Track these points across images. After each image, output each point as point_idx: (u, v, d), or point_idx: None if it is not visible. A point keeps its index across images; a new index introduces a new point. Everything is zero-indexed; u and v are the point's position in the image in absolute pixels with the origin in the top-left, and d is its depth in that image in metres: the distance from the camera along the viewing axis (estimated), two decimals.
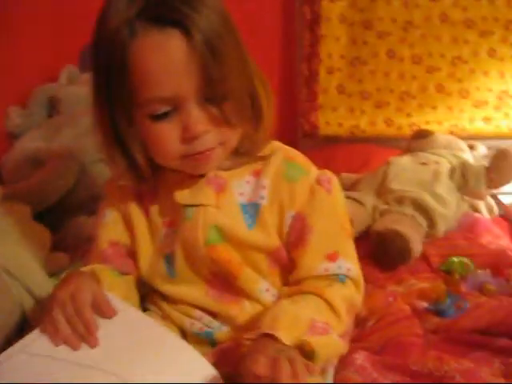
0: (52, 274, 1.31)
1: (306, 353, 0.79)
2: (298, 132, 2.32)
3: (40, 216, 1.49)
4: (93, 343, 0.84)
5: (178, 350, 0.87)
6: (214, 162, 0.91)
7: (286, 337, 0.78)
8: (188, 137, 0.84)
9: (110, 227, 1.01)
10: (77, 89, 2.00)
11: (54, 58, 2.18)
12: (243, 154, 0.95)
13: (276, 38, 2.30)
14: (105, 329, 0.86)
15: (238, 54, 0.85)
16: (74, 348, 0.83)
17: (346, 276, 0.93)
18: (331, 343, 0.85)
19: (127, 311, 0.90)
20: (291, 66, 2.30)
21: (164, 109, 0.83)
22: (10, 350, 0.86)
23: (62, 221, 1.49)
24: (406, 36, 2.21)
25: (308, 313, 0.85)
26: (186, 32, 0.79)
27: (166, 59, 0.80)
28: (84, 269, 0.98)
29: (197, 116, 0.83)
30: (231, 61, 0.83)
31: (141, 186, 0.96)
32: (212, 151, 0.88)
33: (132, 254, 1.01)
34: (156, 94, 0.82)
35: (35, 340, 0.86)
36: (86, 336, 0.84)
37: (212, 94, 0.83)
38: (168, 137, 0.85)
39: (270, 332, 0.78)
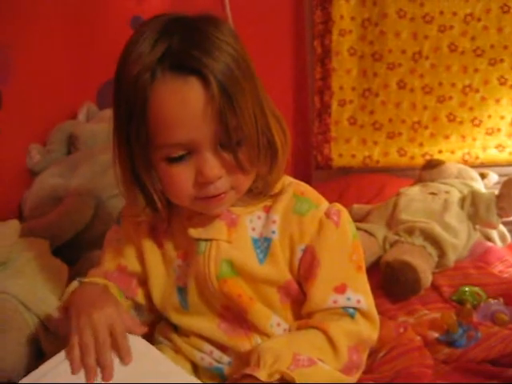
0: None
1: None
2: (311, 164, 2.34)
3: (58, 250, 1.52)
4: (108, 378, 0.87)
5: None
6: (226, 205, 0.94)
7: (264, 374, 0.82)
8: (201, 181, 0.87)
9: (120, 252, 1.04)
10: (95, 126, 2.05)
11: (74, 95, 2.23)
12: (256, 193, 0.97)
13: (288, 72, 2.33)
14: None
15: (254, 98, 0.86)
16: (90, 379, 0.86)
17: (356, 309, 0.94)
18: (318, 373, 0.86)
19: (142, 349, 0.93)
20: (304, 99, 2.33)
21: (179, 153, 0.86)
22: (25, 379, 0.89)
23: (78, 255, 1.52)
24: (416, 67, 2.23)
25: (296, 348, 0.88)
26: (205, 80, 0.81)
27: (183, 106, 0.82)
28: (101, 282, 1.01)
29: (211, 162, 0.86)
30: (247, 108, 0.84)
31: (156, 221, 0.99)
32: (224, 195, 0.90)
33: (138, 282, 1.05)
34: (172, 139, 0.85)
35: (51, 370, 0.89)
36: (105, 368, 0.87)
37: (227, 140, 0.85)
38: (182, 179, 0.88)
39: (251, 373, 0.82)
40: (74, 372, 0.87)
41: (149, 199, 0.93)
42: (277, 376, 0.82)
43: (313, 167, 2.32)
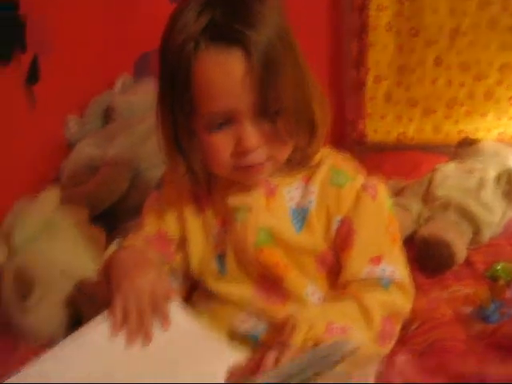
0: None
1: None
2: (345, 140, 2.33)
3: (95, 219, 1.55)
4: (148, 342, 0.89)
5: (224, 357, 0.90)
6: (263, 175, 0.95)
7: (298, 341, 0.83)
8: (240, 150, 0.89)
9: (161, 218, 1.06)
10: (131, 97, 2.07)
11: (110, 67, 2.25)
12: (295, 164, 0.98)
13: (324, 46, 2.31)
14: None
15: (295, 70, 0.87)
16: (131, 342, 0.88)
17: (390, 280, 0.95)
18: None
19: (180, 315, 0.95)
20: (339, 74, 2.32)
21: (219, 121, 0.88)
22: (66, 340, 0.90)
23: (115, 224, 1.55)
24: (454, 43, 2.19)
25: (329, 317, 0.89)
26: (246, 51, 0.82)
27: (225, 76, 0.84)
28: (140, 246, 1.03)
29: (250, 131, 0.87)
30: (288, 79, 0.85)
31: (197, 188, 1.01)
32: (262, 165, 0.92)
33: (179, 247, 1.06)
34: (213, 107, 0.86)
35: (91, 332, 0.91)
36: (146, 333, 0.89)
37: (266, 110, 0.86)
38: (221, 148, 0.90)
39: (285, 340, 0.83)
40: (113, 334, 0.89)
41: (189, 167, 0.95)
42: (310, 343, 0.83)
43: (347, 143, 2.32)
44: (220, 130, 0.89)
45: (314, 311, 0.93)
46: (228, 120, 0.88)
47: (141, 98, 2.03)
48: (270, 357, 0.80)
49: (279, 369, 0.67)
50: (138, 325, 0.89)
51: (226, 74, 0.84)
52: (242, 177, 0.95)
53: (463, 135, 2.16)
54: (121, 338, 0.89)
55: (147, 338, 0.89)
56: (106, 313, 0.92)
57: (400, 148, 2.27)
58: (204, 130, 0.90)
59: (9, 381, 0.84)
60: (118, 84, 2.20)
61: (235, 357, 0.88)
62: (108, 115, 2.03)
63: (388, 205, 0.99)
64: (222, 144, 0.90)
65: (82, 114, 2.07)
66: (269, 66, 0.83)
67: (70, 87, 2.01)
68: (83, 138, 1.93)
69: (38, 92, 1.82)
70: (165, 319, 0.91)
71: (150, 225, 1.07)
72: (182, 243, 1.06)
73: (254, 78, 0.83)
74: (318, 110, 0.92)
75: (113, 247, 1.03)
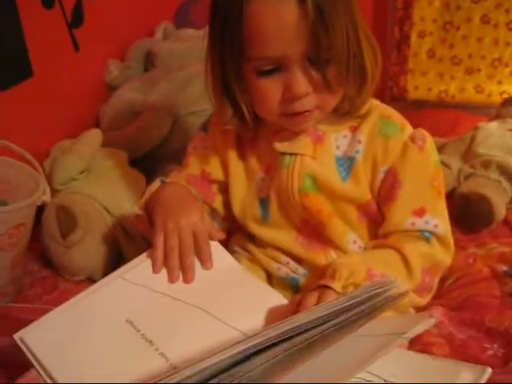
0: None
1: None
2: (386, 95, 2.32)
3: (135, 163, 1.57)
4: (190, 280, 0.91)
5: (264, 294, 0.92)
6: (310, 123, 0.95)
7: (339, 286, 0.84)
8: (289, 97, 0.88)
9: (205, 159, 1.08)
10: (172, 44, 2.07)
11: (151, 14, 2.25)
12: (343, 113, 0.98)
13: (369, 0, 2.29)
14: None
15: (348, 20, 0.86)
16: (173, 280, 0.90)
17: (432, 233, 0.96)
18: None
19: (221, 256, 0.97)
20: (383, 28, 2.28)
21: (270, 66, 0.87)
22: (108, 277, 0.93)
23: (155, 168, 1.56)
24: (503, 1, 2.14)
25: (370, 264, 0.89)
26: None
27: (277, 21, 0.83)
28: (183, 184, 1.05)
29: (300, 78, 0.87)
30: (340, 28, 0.84)
31: (243, 132, 1.01)
32: (309, 113, 0.91)
33: (219, 189, 1.08)
34: (264, 52, 0.86)
35: (132, 269, 0.92)
36: (188, 271, 0.91)
37: (317, 58, 0.86)
38: (270, 93, 0.89)
39: (326, 284, 0.84)
40: (155, 271, 0.91)
41: (237, 109, 0.95)
42: (351, 288, 0.85)
43: (388, 98, 2.30)
44: (269, 75, 0.88)
45: (354, 258, 0.94)
46: (278, 66, 0.87)
47: (182, 45, 2.04)
48: (311, 298, 0.81)
49: (311, 310, 0.66)
50: (180, 263, 0.91)
51: (278, 18, 0.83)
52: (289, 123, 0.95)
53: (506, 96, 2.12)
54: (163, 277, 0.91)
55: (188, 275, 0.91)
56: (146, 252, 0.94)
57: (441, 106, 2.25)
58: (253, 74, 0.89)
59: (50, 314, 0.87)
60: (159, 31, 2.21)
61: (277, 297, 0.90)
62: (149, 61, 2.03)
63: (435, 158, 0.99)
64: (270, 89, 0.89)
65: (123, 58, 2.08)
66: (322, 14, 0.82)
67: (111, 32, 2.02)
68: (124, 82, 1.94)
69: (80, 36, 1.83)
70: (206, 259, 0.93)
71: (193, 165, 1.09)
72: (224, 187, 1.08)
73: (307, 25, 0.82)
74: (370, 61, 0.91)
75: (156, 183, 1.04)
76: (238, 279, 0.94)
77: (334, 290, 0.83)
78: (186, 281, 0.90)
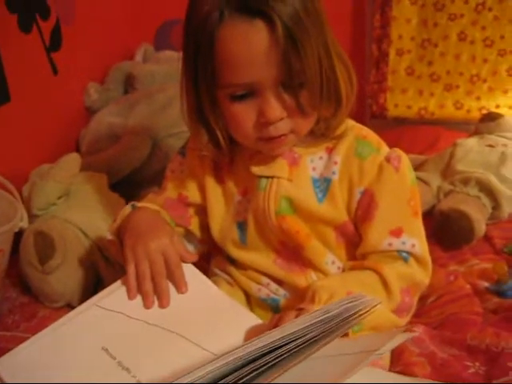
0: None
1: None
2: (366, 113, 2.33)
3: (115, 187, 1.56)
4: (165, 304, 0.90)
5: (240, 316, 0.91)
6: (286, 147, 0.95)
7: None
8: (263, 121, 0.88)
9: (183, 183, 1.08)
10: (152, 67, 2.08)
11: (131, 37, 2.25)
12: (318, 135, 0.97)
13: (346, 19, 2.30)
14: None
15: (320, 43, 0.85)
16: (148, 306, 0.90)
17: (410, 253, 0.96)
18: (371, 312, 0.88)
19: (194, 277, 0.96)
20: (361, 47, 2.30)
21: (242, 91, 0.87)
22: (84, 304, 0.92)
23: (135, 192, 1.56)
24: (478, 18, 2.16)
25: (349, 286, 0.90)
26: (270, 23, 0.81)
27: (248, 48, 0.83)
28: (154, 208, 1.05)
29: (273, 103, 0.87)
30: (312, 52, 0.84)
31: (219, 157, 1.01)
32: (285, 137, 0.91)
33: (195, 212, 1.08)
34: (236, 79, 0.86)
35: (108, 295, 0.92)
36: (162, 296, 0.91)
37: (290, 82, 0.85)
38: (244, 118, 0.89)
39: (305, 307, 0.84)
40: (130, 298, 0.91)
41: (212, 135, 0.95)
42: None
43: (367, 116, 2.31)
44: (243, 100, 0.88)
45: (334, 280, 0.94)
46: (251, 91, 0.87)
47: (162, 68, 2.04)
48: (288, 317, 0.80)
49: (284, 327, 0.65)
50: (153, 288, 0.91)
51: (249, 45, 0.83)
52: (266, 147, 0.95)
53: (484, 112, 2.14)
54: (138, 303, 0.91)
55: (163, 300, 0.90)
56: (121, 279, 0.94)
57: (420, 123, 2.26)
58: (226, 99, 0.89)
59: (25, 344, 0.86)
60: (139, 53, 2.21)
61: (252, 318, 0.89)
62: (129, 83, 2.03)
63: (411, 177, 0.99)
64: (244, 115, 0.89)
65: (103, 81, 2.08)
66: (293, 39, 0.81)
67: (90, 55, 2.02)
68: (103, 105, 1.94)
69: (59, 60, 1.83)
70: (180, 283, 0.93)
71: (171, 188, 1.09)
72: (201, 210, 1.07)
73: (278, 51, 0.82)
74: (344, 82, 0.91)
75: (127, 208, 1.04)
76: (214, 301, 0.93)
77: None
78: (162, 305, 0.90)
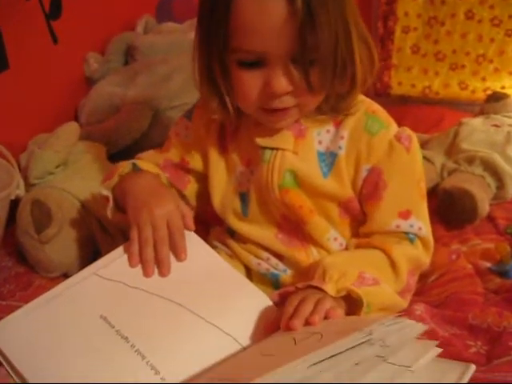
0: None
1: (355, 301, 0.83)
2: (369, 91, 2.28)
3: (114, 158, 1.54)
4: (165, 273, 0.89)
5: (243, 288, 0.90)
6: (288, 121, 0.93)
7: (332, 289, 0.82)
8: (268, 93, 0.86)
9: (187, 147, 1.06)
10: (153, 38, 2.05)
11: (132, 8, 2.22)
12: (327, 110, 0.95)
13: None
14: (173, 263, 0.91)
15: (340, 21, 0.83)
16: (148, 274, 0.89)
17: (417, 235, 0.95)
18: (381, 293, 0.87)
19: (197, 245, 0.95)
20: (367, 24, 2.25)
21: (252, 60, 0.85)
22: (82, 272, 0.91)
23: None
24: None
25: (360, 266, 0.88)
26: None
27: (264, 16, 0.81)
28: (155, 171, 1.04)
29: (280, 76, 0.85)
30: (330, 29, 0.81)
31: (226, 122, 0.99)
32: (288, 110, 0.90)
33: (196, 179, 1.07)
34: (248, 45, 0.84)
35: (107, 265, 0.91)
36: (163, 264, 0.90)
37: (302, 57, 0.83)
38: (250, 86, 0.87)
39: (318, 285, 0.82)
40: (132, 265, 0.90)
41: (221, 99, 0.93)
42: (344, 292, 0.83)
43: (371, 94, 2.27)
44: (251, 68, 0.86)
45: (342, 258, 0.93)
46: (260, 60, 0.85)
47: (163, 39, 2.02)
48: (307, 305, 0.78)
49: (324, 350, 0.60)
50: (155, 255, 0.90)
51: (265, 13, 0.80)
52: (266, 119, 0.93)
53: (489, 92, 2.11)
54: (138, 272, 0.90)
55: (164, 268, 0.89)
56: (121, 247, 0.93)
57: (424, 102, 2.23)
58: (235, 66, 0.87)
59: (19, 311, 0.85)
60: (140, 25, 2.18)
61: (260, 296, 0.88)
62: (130, 54, 2.01)
63: (420, 158, 0.98)
64: (251, 82, 0.87)
65: (104, 52, 2.05)
66: (311, 13, 0.79)
67: (91, 25, 1.99)
68: (104, 76, 1.92)
69: (59, 28, 1.79)
70: (180, 250, 0.91)
71: (173, 151, 1.07)
72: (201, 178, 1.06)
73: (294, 24, 0.80)
74: (363, 64, 0.89)
75: (127, 166, 1.04)
76: (217, 271, 0.92)
77: (327, 293, 0.81)
78: (162, 274, 0.89)
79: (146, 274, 0.89)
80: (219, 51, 0.87)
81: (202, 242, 0.96)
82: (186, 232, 0.94)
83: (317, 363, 0.58)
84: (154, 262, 0.90)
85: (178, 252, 0.91)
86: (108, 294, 0.86)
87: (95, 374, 0.75)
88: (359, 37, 0.87)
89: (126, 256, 0.91)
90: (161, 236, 0.91)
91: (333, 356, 0.60)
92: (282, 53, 0.83)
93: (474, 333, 0.98)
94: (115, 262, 0.91)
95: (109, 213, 1.01)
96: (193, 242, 0.94)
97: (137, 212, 0.93)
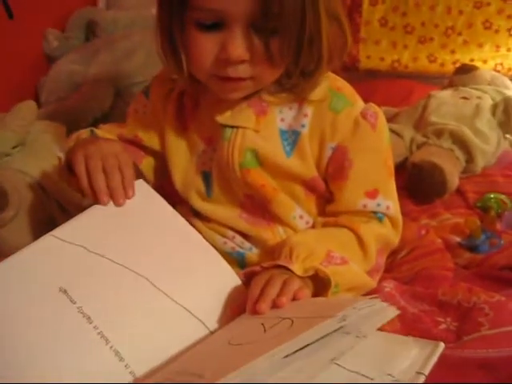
0: None
1: (322, 280, 0.81)
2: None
3: None
4: (121, 202, 0.88)
5: (209, 260, 0.87)
6: (240, 93, 0.89)
7: (299, 268, 0.80)
8: (223, 58, 0.82)
9: (142, 125, 1.04)
10: (115, 13, 2.02)
11: None
12: (289, 87, 0.91)
13: None
14: (137, 226, 0.88)
15: None
16: (103, 202, 0.87)
17: (385, 215, 0.94)
18: (349, 273, 0.86)
19: (155, 202, 0.92)
20: None
21: (210, 21, 0.81)
22: (40, 238, 0.86)
23: None
24: None
25: (328, 245, 0.86)
26: None
27: None
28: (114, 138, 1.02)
29: (238, 40, 0.80)
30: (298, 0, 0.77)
31: (188, 89, 0.96)
32: (241, 81, 0.85)
33: (152, 156, 1.05)
34: (207, 3, 0.79)
35: (66, 228, 0.86)
36: (117, 192, 0.88)
37: (263, 24, 0.79)
38: (204, 49, 0.83)
39: (285, 265, 0.80)
40: (89, 196, 0.89)
41: (178, 61, 0.88)
42: (311, 272, 0.81)
43: (339, 68, 2.25)
44: (208, 31, 0.82)
45: (310, 236, 0.91)
46: (219, 22, 0.80)
47: (126, 14, 1.98)
48: (274, 287, 0.76)
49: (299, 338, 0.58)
50: (107, 183, 0.88)
51: None
52: (219, 87, 0.88)
53: (458, 65, 2.10)
54: (100, 235, 0.86)
55: (118, 195, 0.88)
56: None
57: (393, 76, 2.21)
58: (193, 27, 0.82)
59: None
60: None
61: (227, 272, 0.87)
62: (91, 31, 1.98)
63: (387, 136, 0.96)
64: (206, 46, 0.83)
65: (63, 28, 2.00)
66: None
67: (50, 2, 1.93)
68: (64, 53, 1.88)
69: (15, 3, 1.75)
70: (128, 183, 0.89)
71: (129, 127, 1.05)
72: (158, 157, 1.04)
73: None
74: (333, 43, 0.85)
75: (85, 132, 1.01)
76: (181, 235, 0.90)
77: (294, 273, 0.79)
78: (117, 203, 0.88)
79: (101, 202, 0.87)
80: (179, 10, 0.82)
81: (152, 191, 0.93)
82: (137, 180, 0.92)
83: (290, 355, 0.56)
84: (105, 190, 0.88)
85: (126, 184, 0.89)
86: (67, 260, 0.80)
87: (54, 357, 0.70)
88: (329, 14, 0.83)
89: (85, 217, 0.87)
90: (111, 164, 0.88)
91: (306, 346, 0.57)
92: (242, 14, 0.78)
93: (444, 309, 0.97)
94: (72, 223, 0.87)
95: (59, 173, 1.00)
96: (142, 189, 0.91)
97: (83, 149, 0.90)
